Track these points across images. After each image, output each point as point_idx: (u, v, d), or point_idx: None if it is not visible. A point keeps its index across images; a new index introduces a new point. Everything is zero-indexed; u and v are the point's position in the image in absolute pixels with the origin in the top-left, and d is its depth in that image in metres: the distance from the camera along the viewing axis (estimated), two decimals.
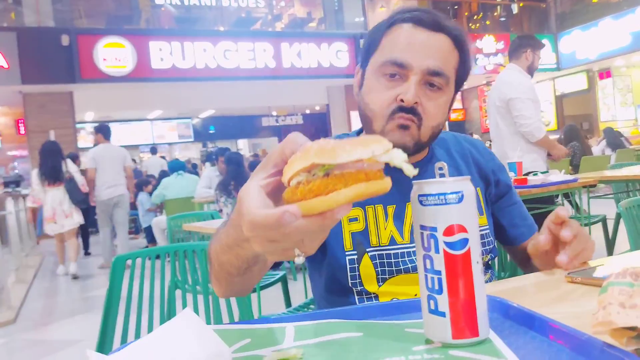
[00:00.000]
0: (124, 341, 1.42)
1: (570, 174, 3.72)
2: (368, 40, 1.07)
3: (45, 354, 3.56)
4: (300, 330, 0.69)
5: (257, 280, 0.83)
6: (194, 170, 10.43)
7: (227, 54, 11.19)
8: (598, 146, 9.51)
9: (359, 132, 1.15)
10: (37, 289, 5.83)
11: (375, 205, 1.04)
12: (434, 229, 0.59)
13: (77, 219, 6.26)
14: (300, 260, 0.58)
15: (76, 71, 9.94)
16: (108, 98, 11.51)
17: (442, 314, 0.59)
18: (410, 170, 0.54)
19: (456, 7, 15.20)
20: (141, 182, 8.52)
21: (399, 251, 1.02)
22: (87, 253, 8.10)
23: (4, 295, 4.76)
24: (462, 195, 0.59)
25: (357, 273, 1.02)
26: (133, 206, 8.39)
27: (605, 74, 14.31)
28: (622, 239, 2.23)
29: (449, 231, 0.58)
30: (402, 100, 0.97)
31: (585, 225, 3.71)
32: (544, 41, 3.96)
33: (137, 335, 1.57)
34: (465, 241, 0.58)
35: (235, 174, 4.51)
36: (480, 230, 1.07)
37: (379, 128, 1.01)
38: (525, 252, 1.12)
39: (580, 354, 0.54)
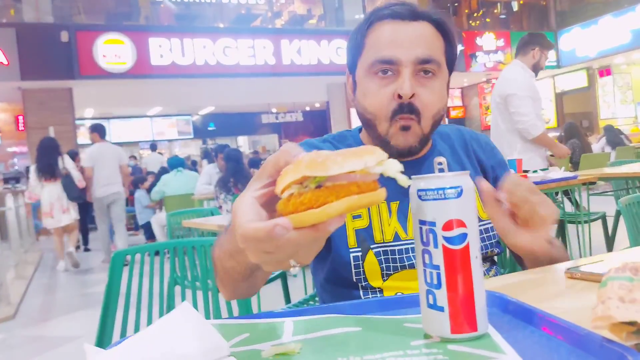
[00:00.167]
0: (123, 336, 1.42)
1: (570, 172, 3.71)
2: (351, 43, 1.07)
3: (45, 350, 3.57)
4: (299, 325, 0.68)
5: (261, 284, 0.84)
6: (193, 167, 10.42)
7: (226, 50, 11.18)
8: (598, 144, 9.51)
9: (360, 129, 1.15)
10: (36, 285, 5.83)
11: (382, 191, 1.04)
12: (433, 223, 0.59)
13: (74, 214, 6.39)
14: (295, 270, 0.59)
15: (75, 67, 9.94)
16: (108, 94, 11.50)
17: (441, 309, 0.59)
18: (404, 181, 0.55)
19: (456, 4, 15.19)
20: (138, 179, 8.53)
21: (403, 247, 1.02)
22: (86, 249, 8.11)
23: (3, 291, 4.76)
24: (461, 190, 0.59)
25: (361, 269, 1.02)
26: (130, 203, 8.41)
27: (605, 71, 14.30)
28: (623, 236, 2.23)
29: (447, 226, 0.58)
30: (399, 96, 0.97)
31: (585, 222, 3.72)
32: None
33: (137, 331, 1.57)
34: (464, 236, 0.58)
35: (234, 171, 4.51)
36: (483, 225, 1.07)
37: (383, 131, 1.01)
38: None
39: (580, 349, 0.53)
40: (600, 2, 13.91)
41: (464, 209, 0.59)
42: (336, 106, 13.18)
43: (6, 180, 11.17)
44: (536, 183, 3.01)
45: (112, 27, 10.56)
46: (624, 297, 0.50)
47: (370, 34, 1.02)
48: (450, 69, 1.06)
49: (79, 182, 6.29)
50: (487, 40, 13.95)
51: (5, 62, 9.53)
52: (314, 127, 14.96)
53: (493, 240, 1.09)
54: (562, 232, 3.54)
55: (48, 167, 6.16)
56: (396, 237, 1.03)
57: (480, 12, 15.45)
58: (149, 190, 7.63)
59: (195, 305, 1.78)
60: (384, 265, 1.02)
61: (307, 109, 15.53)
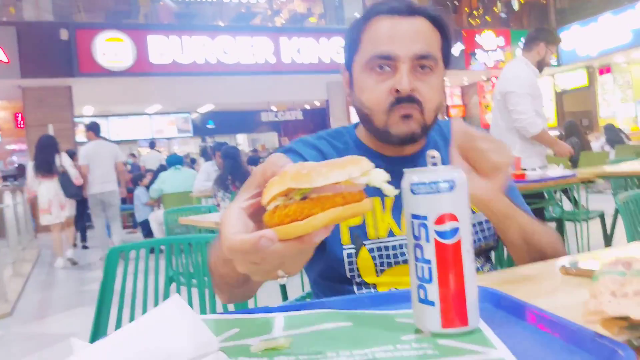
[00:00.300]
0: None
1: (569, 170, 3.70)
2: (348, 39, 1.07)
3: (42, 347, 3.56)
4: (290, 320, 0.68)
5: (257, 289, 0.84)
6: (192, 165, 10.42)
7: (226, 49, 11.17)
8: (597, 142, 9.51)
9: (356, 125, 1.15)
10: (34, 282, 5.83)
11: (373, 198, 1.04)
12: (425, 217, 0.58)
13: (71, 210, 6.54)
14: (284, 281, 0.59)
15: (75, 65, 9.94)
16: (107, 92, 11.50)
17: (432, 303, 0.58)
18: (390, 191, 0.55)
19: (456, 2, 15.17)
20: (137, 176, 8.53)
21: (397, 243, 1.02)
22: (84, 247, 8.11)
23: (1, 289, 4.76)
24: (454, 184, 0.58)
25: (355, 266, 1.02)
26: (129, 200, 8.42)
27: (605, 70, 14.30)
28: (621, 234, 2.23)
29: (440, 220, 0.58)
30: (397, 91, 0.97)
31: (584, 220, 3.71)
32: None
33: None
34: (456, 230, 0.58)
35: (232, 168, 4.50)
36: (476, 217, 1.06)
37: (381, 123, 1.01)
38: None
39: (572, 344, 0.53)
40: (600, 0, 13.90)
41: (457, 203, 0.58)
42: (336, 104, 13.17)
43: (5, 178, 11.18)
44: (535, 181, 3.01)
45: (111, 25, 10.55)
46: (615, 291, 0.50)
47: (367, 30, 1.02)
48: (446, 64, 1.06)
49: (76, 179, 6.35)
50: (487, 38, 13.93)
51: (6, 60, 9.53)
52: (314, 126, 14.95)
53: (487, 234, 1.08)
54: (560, 230, 3.54)
55: (45, 164, 6.24)
56: (390, 233, 1.02)
57: (481, 10, 15.44)
58: (147, 188, 7.64)
59: (190, 302, 1.78)
60: (377, 261, 1.02)
61: (307, 107, 15.53)
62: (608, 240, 3.72)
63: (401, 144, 1.02)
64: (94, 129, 6.60)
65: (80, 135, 11.64)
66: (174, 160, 7.19)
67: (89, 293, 5.12)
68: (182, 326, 0.58)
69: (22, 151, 13.42)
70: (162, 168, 8.33)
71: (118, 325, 1.52)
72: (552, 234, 1.00)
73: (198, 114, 16.63)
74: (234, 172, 4.45)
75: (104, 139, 7.35)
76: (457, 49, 13.43)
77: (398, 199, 1.04)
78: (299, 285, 3.12)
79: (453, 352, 0.54)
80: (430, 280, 0.58)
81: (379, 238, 1.02)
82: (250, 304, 2.53)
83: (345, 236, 1.02)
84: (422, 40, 0.99)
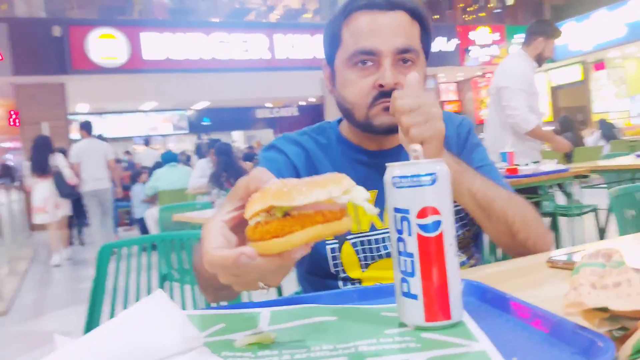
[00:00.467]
0: None
1: (563, 164, 3.70)
2: (328, 34, 1.06)
3: (38, 345, 3.56)
4: (276, 314, 0.68)
5: (242, 290, 0.83)
6: (187, 162, 10.40)
7: (221, 45, 11.14)
8: (592, 137, 9.53)
9: (340, 121, 1.15)
10: (30, 281, 5.81)
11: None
12: (407, 211, 0.58)
13: (66, 210, 6.60)
14: (264, 292, 0.61)
15: (68, 62, 9.89)
16: (101, 89, 11.45)
17: (415, 297, 0.58)
18: (371, 210, 0.56)
19: None
20: (135, 173, 8.52)
21: (380, 236, 1.02)
22: (82, 243, 8.15)
23: None
24: (436, 177, 0.58)
25: (339, 261, 1.03)
26: (125, 198, 8.42)
27: (600, 65, 14.32)
28: (615, 229, 2.23)
29: (422, 213, 0.58)
30: (380, 86, 0.97)
31: (577, 215, 3.73)
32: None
33: None
34: (438, 223, 0.58)
35: (225, 165, 4.50)
36: (456, 205, 1.06)
37: (361, 117, 1.01)
38: None
39: (552, 336, 0.53)
40: None
41: (439, 196, 0.58)
42: (331, 100, 13.03)
43: (0, 176, 11.12)
44: (528, 176, 3.01)
45: (105, 22, 10.50)
46: (595, 283, 0.50)
47: (347, 25, 1.02)
48: (427, 56, 1.06)
49: (70, 179, 6.41)
50: (482, 34, 13.93)
51: None
52: (309, 122, 14.67)
53: (466, 220, 1.07)
54: (554, 225, 3.55)
55: (40, 164, 6.36)
56: (372, 227, 1.03)
57: (475, 6, 15.44)
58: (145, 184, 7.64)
59: (184, 299, 1.78)
60: (361, 255, 1.02)
61: (302, 103, 15.51)
62: (602, 234, 3.73)
63: (383, 134, 1.02)
64: (86, 128, 6.72)
65: (75, 133, 11.60)
66: (169, 158, 7.18)
67: (85, 291, 5.08)
68: (165, 321, 0.58)
69: (16, 149, 13.36)
70: (157, 165, 8.31)
71: None
72: (522, 203, 0.98)
73: (193, 111, 16.58)
74: (227, 168, 4.45)
75: (100, 136, 7.39)
76: (451, 44, 13.44)
77: (381, 192, 1.03)
78: (294, 281, 3.11)
79: (435, 345, 0.54)
80: (413, 274, 0.58)
81: (361, 232, 1.02)
82: (245, 299, 2.53)
83: None
84: (403, 34, 0.99)
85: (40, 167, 6.33)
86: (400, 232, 0.59)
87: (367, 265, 1.02)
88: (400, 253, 0.59)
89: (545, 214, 3.56)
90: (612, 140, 8.62)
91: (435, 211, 0.58)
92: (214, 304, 0.92)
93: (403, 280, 0.59)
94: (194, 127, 16.74)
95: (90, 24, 10.36)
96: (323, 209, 0.54)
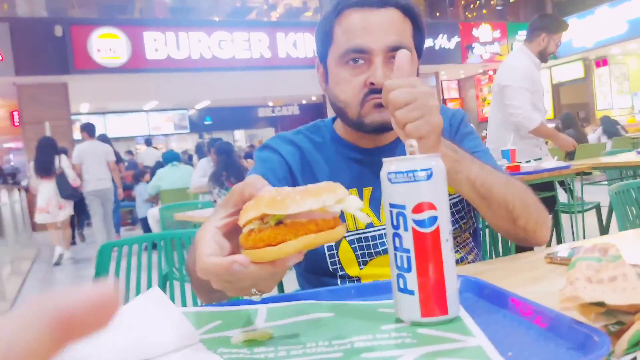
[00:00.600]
0: None
1: (566, 162, 3.68)
2: (320, 32, 1.06)
3: None
4: (273, 311, 0.68)
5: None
6: (189, 161, 10.40)
7: (222, 44, 11.13)
8: (594, 134, 9.50)
9: (334, 119, 1.14)
10: (32, 280, 5.82)
11: (349, 190, 1.03)
12: (403, 206, 0.58)
13: (69, 210, 6.64)
14: (257, 298, 0.61)
15: (70, 62, 9.89)
16: (103, 89, 11.45)
17: (411, 293, 0.58)
18: (364, 219, 0.56)
19: None
20: (139, 173, 8.54)
21: (377, 233, 1.02)
22: (83, 239, 8.20)
23: None
24: (432, 172, 0.58)
25: (336, 259, 1.02)
26: (127, 197, 8.46)
27: (602, 62, 14.28)
28: (617, 226, 2.23)
29: (417, 209, 0.57)
30: (372, 84, 0.97)
31: (579, 212, 3.71)
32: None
33: None
34: (434, 219, 0.57)
35: (225, 164, 4.50)
36: (453, 198, 1.06)
37: (354, 115, 1.00)
38: None
39: (549, 331, 0.53)
40: None
41: (435, 191, 0.58)
42: None
43: (2, 176, 11.15)
44: (529, 173, 3.00)
45: (106, 21, 10.50)
46: (591, 277, 0.50)
47: (339, 22, 1.01)
48: (419, 53, 1.05)
49: (73, 181, 6.48)
50: (484, 31, 13.90)
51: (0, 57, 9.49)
52: (311, 121, 14.80)
53: (463, 212, 1.07)
54: (556, 222, 3.54)
55: (44, 165, 6.40)
56: (369, 224, 1.02)
57: (477, 3, 15.40)
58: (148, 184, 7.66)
59: (184, 297, 1.78)
60: (358, 252, 1.02)
61: (304, 102, 15.50)
62: (604, 231, 3.72)
63: (375, 132, 1.01)
64: (88, 130, 6.81)
65: (78, 133, 11.62)
66: (171, 157, 7.18)
67: None
68: (160, 318, 0.58)
69: (18, 149, 13.39)
70: (159, 165, 8.33)
71: None
72: (521, 187, 0.96)
73: (195, 111, 16.58)
74: (227, 167, 4.45)
75: (103, 136, 7.44)
76: (453, 42, 13.41)
77: (376, 189, 1.03)
78: (294, 280, 3.11)
79: (431, 340, 0.54)
80: (409, 270, 0.58)
81: (358, 229, 1.02)
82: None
83: None
84: (395, 31, 0.98)
85: (45, 168, 6.38)
86: (396, 227, 0.59)
87: (365, 263, 1.02)
88: (396, 249, 0.59)
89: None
90: (614, 137, 8.59)
91: (431, 206, 0.57)
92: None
93: (399, 276, 0.59)
94: (196, 126, 16.74)
95: (91, 23, 10.37)
96: (316, 218, 0.54)
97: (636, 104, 14.18)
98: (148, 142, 12.40)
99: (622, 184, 1.75)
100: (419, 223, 0.57)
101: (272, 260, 0.54)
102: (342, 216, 1.02)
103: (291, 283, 3.31)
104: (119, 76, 10.57)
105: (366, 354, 0.52)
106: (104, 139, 7.53)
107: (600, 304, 0.49)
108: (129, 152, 13.01)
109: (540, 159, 3.44)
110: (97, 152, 6.68)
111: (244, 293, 0.60)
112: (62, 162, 6.49)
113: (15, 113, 11.91)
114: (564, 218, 3.79)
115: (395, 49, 0.97)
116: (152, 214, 6.89)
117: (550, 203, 3.36)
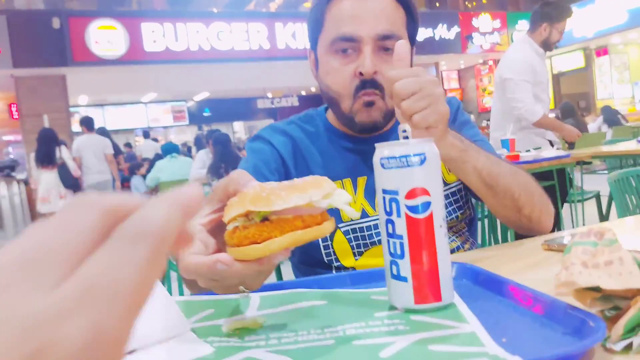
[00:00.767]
0: None
1: (566, 151, 3.66)
2: (311, 19, 1.04)
3: None
4: (266, 300, 0.67)
5: None
6: (188, 153, 10.39)
7: (220, 35, 11.07)
8: (595, 123, 9.48)
9: (327, 108, 1.12)
10: None
11: (343, 180, 1.02)
12: (396, 192, 0.57)
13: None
14: (245, 295, 0.61)
15: (68, 54, 9.85)
16: (101, 81, 11.41)
17: (405, 279, 0.57)
18: (352, 214, 0.55)
19: None
20: (134, 165, 8.53)
21: (372, 223, 1.00)
22: None
23: None
24: (425, 157, 0.57)
25: (331, 250, 1.01)
26: (126, 190, 8.46)
27: (602, 51, 14.22)
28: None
29: (411, 194, 0.56)
30: (361, 74, 0.95)
31: (579, 201, 3.70)
32: None
33: None
34: (427, 204, 0.56)
35: (222, 155, 4.50)
36: (451, 188, 1.04)
37: (347, 108, 0.99)
38: None
39: (544, 316, 0.52)
40: None
41: (428, 176, 0.57)
42: None
43: (1, 169, 11.14)
44: (529, 162, 2.98)
45: (104, 13, 10.44)
46: (587, 262, 0.49)
47: (329, 9, 0.99)
48: (413, 43, 1.03)
49: (74, 171, 6.57)
50: (484, 21, 13.81)
51: None
52: None
53: (461, 202, 1.06)
54: (556, 211, 3.53)
55: (45, 156, 6.48)
56: (364, 214, 1.01)
57: None
58: (145, 177, 7.64)
59: (181, 288, 1.77)
60: (353, 243, 1.00)
61: (303, 93, 15.45)
62: (604, 220, 3.72)
63: (364, 131, 1.00)
64: (86, 124, 6.93)
65: (76, 125, 11.59)
66: (170, 149, 7.18)
67: None
68: (152, 307, 0.57)
69: (17, 142, 13.36)
70: (158, 157, 8.32)
71: None
72: (525, 176, 0.95)
73: (194, 102, 16.54)
74: (225, 158, 4.45)
75: (102, 129, 7.47)
76: (453, 32, 13.34)
77: (370, 178, 1.02)
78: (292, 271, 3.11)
79: (424, 327, 0.53)
80: (402, 256, 0.57)
81: (352, 220, 1.00)
82: None
83: None
84: (386, 20, 0.95)
85: (47, 159, 6.48)
86: (389, 214, 0.58)
87: (360, 253, 1.01)
88: (389, 235, 0.58)
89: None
90: (614, 126, 8.57)
91: (425, 192, 0.56)
92: None
93: (392, 262, 0.58)
94: (195, 118, 16.70)
95: (89, 15, 10.31)
96: (303, 214, 0.53)
97: (637, 93, 14.14)
98: (146, 134, 12.38)
99: (622, 172, 1.74)
100: (412, 209, 0.56)
101: (258, 257, 0.52)
102: (336, 209, 1.01)
103: (290, 275, 3.31)
104: (117, 68, 10.52)
105: (358, 341, 0.51)
106: (102, 132, 7.56)
107: (596, 289, 0.49)
108: (127, 145, 12.99)
109: (539, 147, 3.43)
110: (94, 146, 6.79)
111: (232, 291, 0.58)
112: (63, 153, 6.58)
113: (13, 106, 11.87)
114: (564, 207, 3.78)
115: (385, 37, 0.95)
116: None
117: (552, 192, 3.34)
